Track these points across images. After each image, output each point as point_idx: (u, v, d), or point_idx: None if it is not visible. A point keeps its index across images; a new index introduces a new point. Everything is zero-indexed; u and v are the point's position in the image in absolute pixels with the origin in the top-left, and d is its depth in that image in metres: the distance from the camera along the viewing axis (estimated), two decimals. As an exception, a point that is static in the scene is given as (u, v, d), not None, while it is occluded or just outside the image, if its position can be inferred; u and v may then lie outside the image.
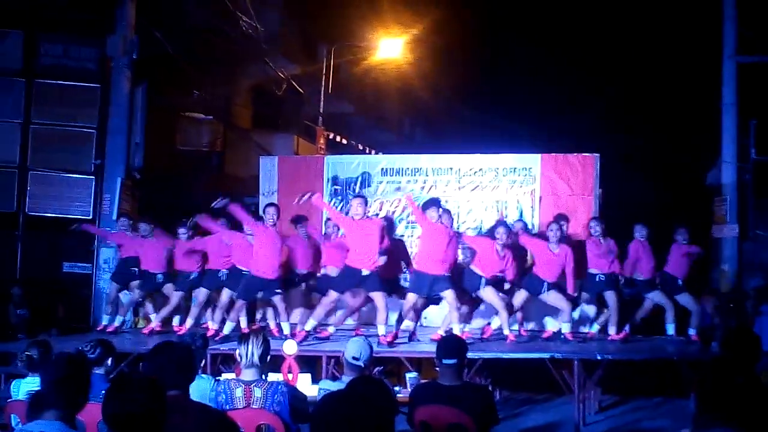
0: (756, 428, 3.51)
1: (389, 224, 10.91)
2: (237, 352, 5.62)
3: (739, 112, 12.71)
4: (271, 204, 10.42)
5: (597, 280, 10.43)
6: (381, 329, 9.84)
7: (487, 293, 10.15)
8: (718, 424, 3.58)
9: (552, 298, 10.34)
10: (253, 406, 5.31)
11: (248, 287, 10.23)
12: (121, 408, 3.32)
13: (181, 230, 10.88)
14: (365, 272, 9.73)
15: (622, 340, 10.37)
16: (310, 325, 10.02)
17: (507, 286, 10.48)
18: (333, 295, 10.07)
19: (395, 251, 10.67)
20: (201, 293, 10.74)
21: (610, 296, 10.41)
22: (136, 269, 11.08)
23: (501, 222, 10.56)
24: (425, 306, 10.61)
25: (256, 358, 5.42)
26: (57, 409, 3.95)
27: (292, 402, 5.42)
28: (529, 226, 11.37)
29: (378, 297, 9.92)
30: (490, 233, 10.36)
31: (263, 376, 5.53)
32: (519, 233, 10.63)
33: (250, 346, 5.44)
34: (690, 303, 10.47)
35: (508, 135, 16.91)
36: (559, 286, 10.28)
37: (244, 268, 10.29)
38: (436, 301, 10.41)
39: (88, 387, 4.12)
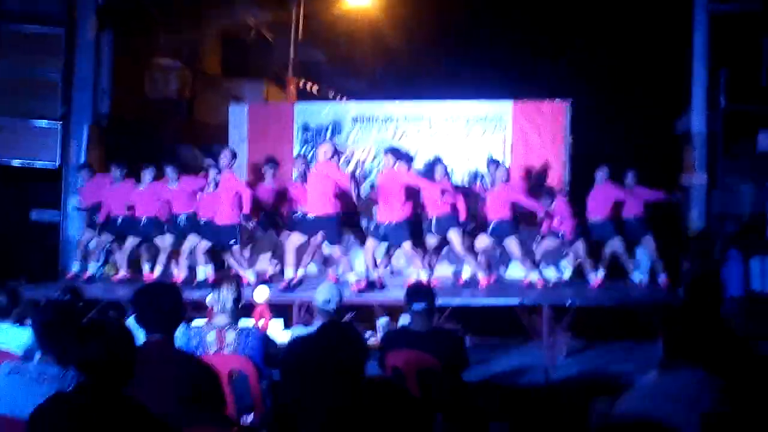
0: (720, 369, 3.55)
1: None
2: (209, 298, 5.64)
3: (710, 61, 12.72)
4: (226, 148, 10.41)
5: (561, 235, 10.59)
6: (350, 277, 9.86)
7: (453, 236, 10.23)
8: (683, 366, 3.63)
9: (509, 244, 10.41)
10: (225, 351, 5.35)
11: (206, 230, 10.24)
12: (85, 353, 3.32)
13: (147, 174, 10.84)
14: (310, 216, 9.70)
15: (598, 285, 10.48)
16: (289, 273, 10.02)
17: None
18: (295, 238, 10.07)
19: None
20: (166, 240, 10.70)
21: (578, 244, 10.52)
22: (109, 215, 11.04)
23: (438, 160, 10.53)
24: (389, 251, 10.64)
25: (228, 305, 5.46)
26: (48, 353, 4.01)
27: (265, 346, 5.46)
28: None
29: (335, 249, 9.93)
30: (431, 173, 10.39)
31: (235, 322, 5.55)
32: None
33: (223, 292, 5.48)
34: (651, 246, 10.57)
35: (479, 83, 16.80)
36: (514, 230, 10.35)
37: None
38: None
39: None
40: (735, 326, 9.77)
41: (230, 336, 5.39)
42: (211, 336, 5.42)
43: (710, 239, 11.55)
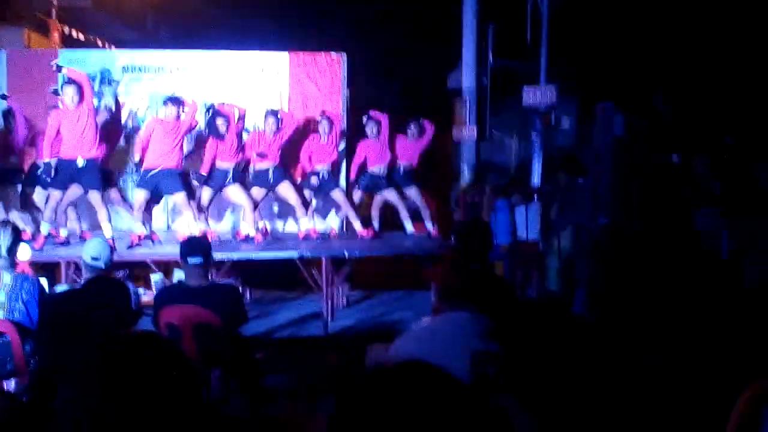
0: (489, 309, 3.70)
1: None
2: None
3: (479, 18, 13.16)
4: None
5: (321, 177, 10.66)
6: (106, 229, 9.38)
7: (233, 191, 10.10)
8: (456, 308, 3.74)
9: (283, 191, 10.43)
10: (1, 292, 5.28)
11: None
12: None
13: None
14: (80, 162, 9.25)
15: (371, 237, 10.67)
16: (45, 229, 9.45)
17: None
18: (54, 192, 9.49)
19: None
20: None
21: (336, 194, 10.70)
22: None
23: (216, 111, 10.32)
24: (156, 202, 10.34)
25: (4, 249, 5.38)
26: None
27: (41, 292, 5.39)
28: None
29: (94, 196, 9.43)
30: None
31: (12, 267, 5.45)
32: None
33: None
34: (417, 196, 10.89)
35: (257, 34, 16.55)
36: (287, 178, 10.39)
37: None
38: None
39: None
40: (503, 272, 10.38)
41: (7, 277, 5.33)
42: None
43: (479, 190, 12.06)
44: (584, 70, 13.73)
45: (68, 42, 17.81)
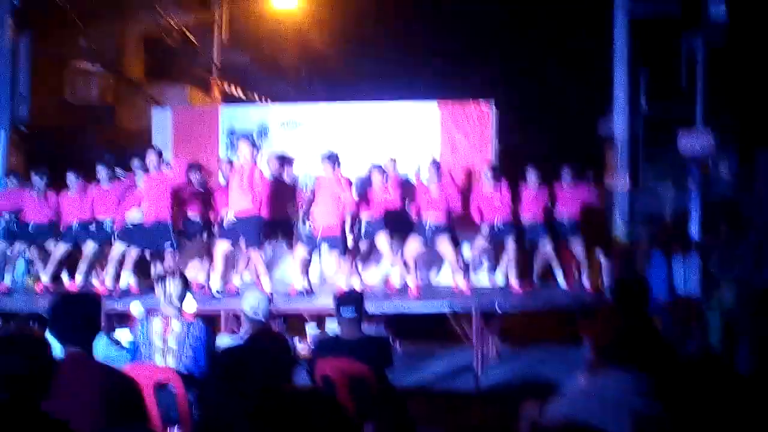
0: (649, 367, 3.58)
1: (281, 165, 10.78)
2: (156, 291, 5.67)
3: (630, 63, 12.92)
4: (152, 148, 10.17)
5: (496, 229, 10.56)
6: (265, 283, 9.67)
7: (381, 241, 10.18)
8: (612, 368, 3.64)
9: (440, 245, 10.40)
10: (170, 339, 5.44)
11: (136, 234, 9.97)
12: (3, 368, 3.16)
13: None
14: (230, 216, 9.57)
15: (524, 290, 10.52)
16: (214, 282, 9.84)
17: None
18: (221, 244, 9.91)
19: (281, 194, 10.50)
20: (88, 246, 10.41)
21: (512, 244, 10.55)
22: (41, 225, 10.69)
23: (374, 165, 10.49)
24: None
25: (175, 296, 5.57)
26: None
27: (209, 338, 5.55)
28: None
29: (253, 253, 9.79)
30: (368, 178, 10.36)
31: (180, 314, 5.64)
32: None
33: (168, 284, 5.59)
34: (579, 250, 10.69)
35: (406, 84, 16.83)
36: (448, 232, 10.36)
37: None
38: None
39: None
40: (661, 328, 10.00)
41: (176, 325, 5.48)
42: (157, 323, 5.50)
43: (634, 241, 11.73)
44: (743, 113, 13.23)
45: (227, 98, 18.64)
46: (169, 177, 9.95)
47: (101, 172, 10.48)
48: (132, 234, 9.98)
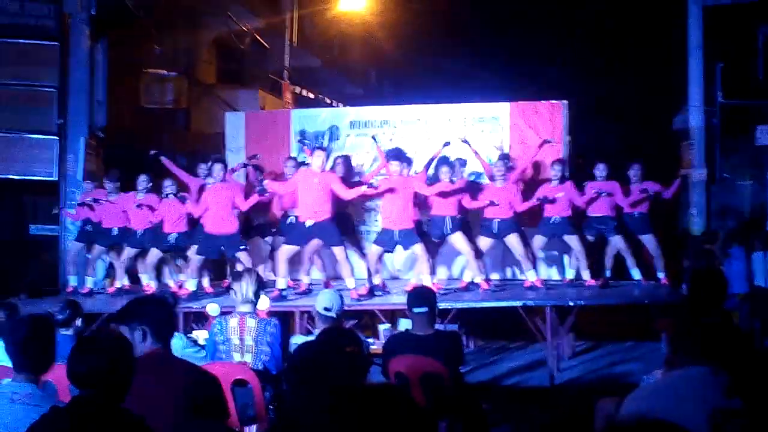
0: (727, 363, 3.51)
1: (348, 171, 10.93)
2: (232, 289, 5.92)
3: (705, 56, 12.68)
4: (217, 160, 10.38)
5: (552, 222, 10.44)
6: (350, 282, 9.81)
7: (456, 238, 10.15)
8: (690, 363, 3.58)
9: (509, 241, 10.33)
10: (246, 336, 5.65)
11: (206, 245, 10.17)
12: (83, 366, 3.27)
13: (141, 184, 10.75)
14: (309, 223, 9.67)
15: (601, 285, 10.39)
16: (281, 283, 9.97)
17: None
18: (286, 248, 10.04)
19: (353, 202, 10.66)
20: (152, 254, 10.64)
21: (575, 241, 10.43)
22: (114, 229, 10.96)
23: (443, 160, 10.46)
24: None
25: (250, 294, 5.78)
26: (25, 371, 3.92)
27: (283, 336, 5.78)
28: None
29: (338, 251, 9.89)
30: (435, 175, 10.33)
31: (255, 312, 5.84)
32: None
33: (244, 283, 5.79)
34: (652, 244, 10.51)
35: (475, 84, 16.81)
36: (516, 228, 10.29)
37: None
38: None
39: (52, 347, 4.07)
40: (739, 322, 9.80)
41: (251, 322, 5.68)
42: (234, 321, 5.70)
43: (711, 235, 11.50)
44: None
45: (298, 100, 18.84)
46: (234, 186, 10.17)
47: (142, 183, 10.68)
48: (205, 244, 10.16)
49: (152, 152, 10.99)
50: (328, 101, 20.11)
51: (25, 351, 3.95)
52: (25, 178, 12.59)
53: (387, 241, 9.96)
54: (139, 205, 10.53)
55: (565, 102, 11.69)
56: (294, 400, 4.17)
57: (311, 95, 19.45)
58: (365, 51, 23.66)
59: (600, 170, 10.54)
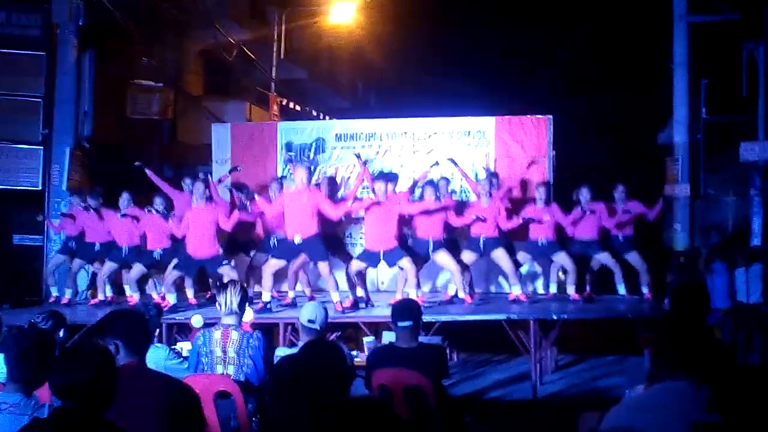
0: (709, 377, 3.53)
1: (332, 189, 11.07)
2: (216, 300, 5.85)
3: (690, 72, 12.79)
4: (202, 180, 10.37)
5: (540, 245, 10.48)
6: (334, 296, 9.81)
7: (440, 256, 10.17)
8: (671, 377, 3.60)
9: (495, 255, 10.37)
10: (229, 348, 5.59)
11: (186, 263, 10.19)
12: (66, 379, 3.26)
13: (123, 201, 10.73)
14: (297, 240, 9.68)
15: (585, 299, 10.43)
16: (266, 296, 9.97)
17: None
18: (273, 262, 10.06)
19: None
20: (136, 268, 10.61)
21: (563, 258, 10.46)
22: (96, 245, 10.93)
23: (429, 182, 10.52)
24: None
25: (234, 306, 5.71)
26: (17, 382, 3.92)
27: (266, 349, 5.67)
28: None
29: (322, 266, 9.89)
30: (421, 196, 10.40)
31: (240, 324, 5.79)
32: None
33: (228, 295, 5.73)
34: (637, 261, 10.55)
35: (461, 98, 16.87)
36: (506, 246, 10.34)
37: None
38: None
39: (49, 365, 4.07)
40: (722, 337, 9.84)
41: (235, 335, 5.63)
42: (218, 333, 5.66)
43: (694, 250, 11.57)
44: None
45: (285, 112, 18.86)
46: (215, 209, 10.17)
47: (123, 203, 10.66)
48: (186, 263, 10.16)
49: (137, 163, 10.98)
50: (315, 114, 20.13)
51: (24, 363, 3.96)
52: (9, 187, 12.55)
53: (370, 258, 9.97)
54: (124, 215, 10.50)
55: (551, 117, 11.76)
56: (276, 412, 4.18)
57: (298, 107, 19.47)
58: (352, 64, 23.73)
59: (584, 195, 10.49)
